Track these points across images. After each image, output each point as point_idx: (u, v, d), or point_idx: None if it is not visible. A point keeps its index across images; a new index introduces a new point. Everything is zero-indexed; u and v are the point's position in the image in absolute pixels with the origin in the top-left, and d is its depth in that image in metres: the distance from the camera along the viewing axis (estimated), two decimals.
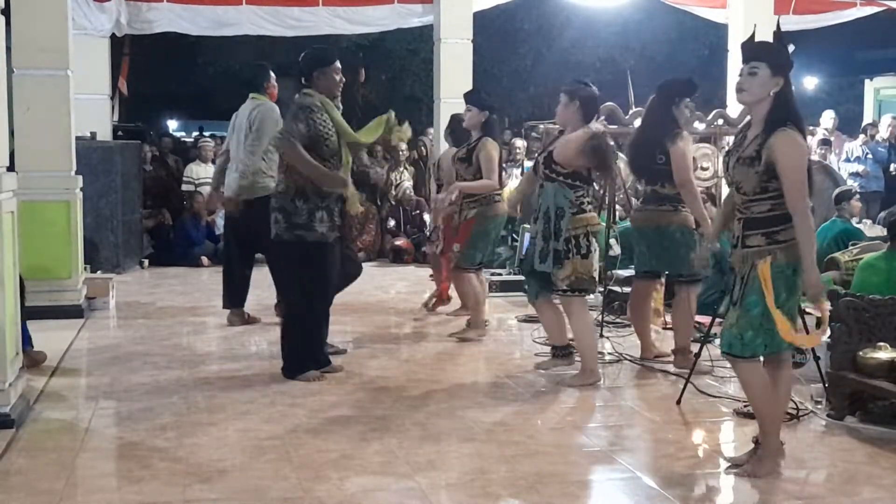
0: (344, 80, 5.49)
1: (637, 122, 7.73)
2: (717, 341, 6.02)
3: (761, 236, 3.77)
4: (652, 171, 5.58)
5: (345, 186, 5.31)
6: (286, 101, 6.84)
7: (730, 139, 8.34)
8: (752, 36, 3.88)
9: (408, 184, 11.46)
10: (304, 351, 5.43)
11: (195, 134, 19.13)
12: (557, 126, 5.86)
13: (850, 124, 13.68)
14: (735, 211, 3.91)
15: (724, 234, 4.36)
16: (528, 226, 6.00)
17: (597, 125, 5.31)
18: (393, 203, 11.46)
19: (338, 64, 5.41)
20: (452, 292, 7.64)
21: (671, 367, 5.67)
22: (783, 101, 3.75)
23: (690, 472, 4.00)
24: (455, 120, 7.36)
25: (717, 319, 5.39)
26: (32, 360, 5.56)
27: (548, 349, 5.99)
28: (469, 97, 6.62)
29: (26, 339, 5.66)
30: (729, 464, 4.03)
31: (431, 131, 11.14)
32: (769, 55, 3.77)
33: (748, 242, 3.81)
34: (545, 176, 5.37)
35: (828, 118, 12.36)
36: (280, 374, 5.43)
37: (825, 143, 11.46)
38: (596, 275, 5.40)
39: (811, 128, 10.77)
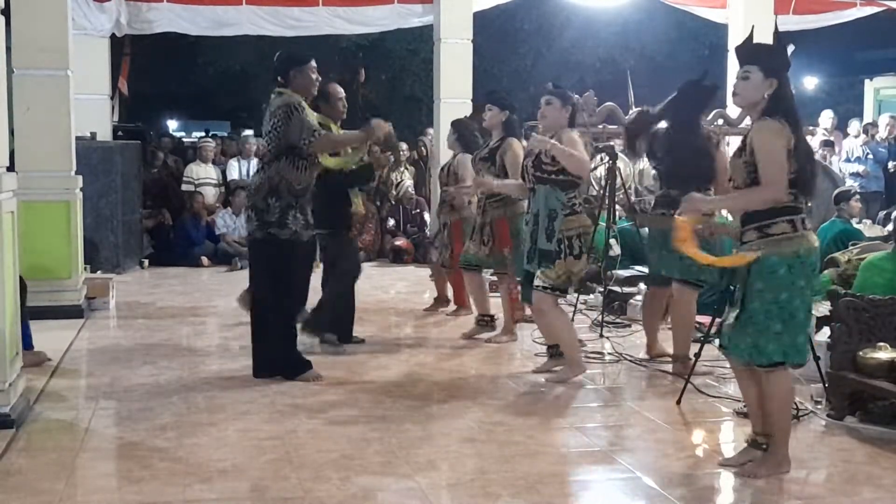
0: (320, 79, 5.50)
1: None
2: (717, 341, 6.07)
3: (754, 231, 3.77)
4: (694, 178, 5.39)
5: (371, 135, 5.50)
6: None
7: (730, 139, 8.34)
8: (748, 39, 3.89)
9: (409, 183, 11.46)
10: (296, 351, 5.43)
11: (200, 135, 19.14)
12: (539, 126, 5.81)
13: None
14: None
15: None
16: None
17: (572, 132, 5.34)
18: (393, 203, 11.46)
19: (313, 63, 5.41)
20: (447, 291, 7.67)
21: (671, 368, 5.66)
22: (779, 101, 3.75)
23: (690, 472, 4.01)
24: (461, 125, 7.29)
25: (717, 319, 5.40)
26: (34, 361, 5.56)
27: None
28: (490, 97, 6.52)
29: (27, 341, 5.67)
30: (723, 464, 4.04)
31: (431, 131, 11.13)
32: (760, 58, 3.77)
33: (744, 238, 3.81)
34: (536, 178, 5.38)
35: (826, 118, 12.37)
36: (280, 374, 5.42)
37: (827, 144, 11.47)
38: (578, 281, 5.40)
39: (811, 127, 10.77)
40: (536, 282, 5.35)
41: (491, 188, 6.11)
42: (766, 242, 3.72)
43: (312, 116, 5.36)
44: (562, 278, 5.32)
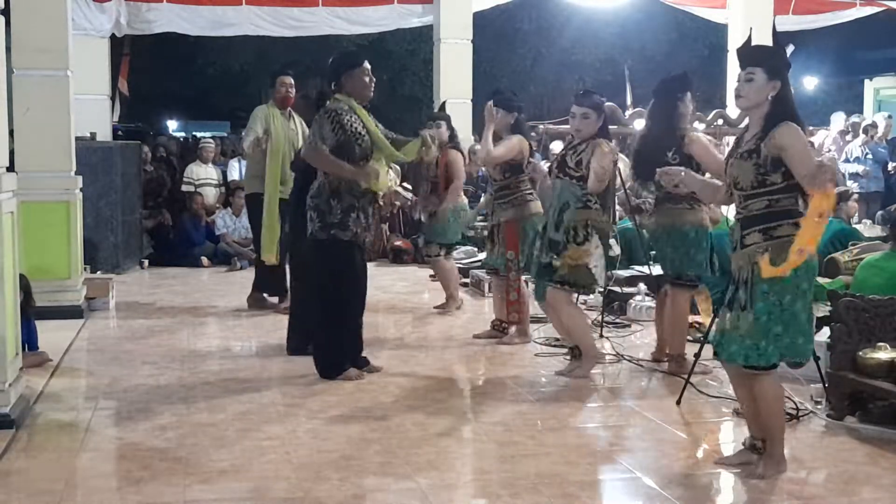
0: (374, 80, 5.48)
1: (636, 123, 7.73)
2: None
3: (758, 233, 3.74)
4: (654, 153, 5.42)
5: (376, 178, 5.32)
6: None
7: (730, 139, 8.33)
8: (748, 41, 3.89)
9: (397, 189, 11.30)
10: (342, 350, 5.42)
11: (207, 135, 19.17)
12: (567, 129, 5.89)
13: None
14: (735, 213, 3.91)
15: (726, 232, 4.35)
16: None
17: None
18: (381, 203, 11.34)
19: (367, 65, 5.40)
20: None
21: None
22: (781, 103, 3.76)
23: (690, 472, 4.01)
24: (449, 118, 7.28)
25: (716, 319, 5.39)
26: (35, 362, 5.55)
27: (548, 349, 6.00)
28: (496, 100, 6.46)
29: (33, 341, 5.68)
30: (719, 462, 4.04)
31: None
32: (764, 59, 3.77)
33: (746, 241, 3.78)
34: (557, 174, 5.47)
35: (839, 120, 12.38)
36: (280, 373, 5.43)
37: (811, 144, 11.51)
38: (596, 273, 5.38)
39: (810, 128, 10.78)
40: (553, 276, 5.39)
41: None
42: (773, 245, 3.70)
43: (364, 123, 5.29)
44: (571, 270, 5.32)
